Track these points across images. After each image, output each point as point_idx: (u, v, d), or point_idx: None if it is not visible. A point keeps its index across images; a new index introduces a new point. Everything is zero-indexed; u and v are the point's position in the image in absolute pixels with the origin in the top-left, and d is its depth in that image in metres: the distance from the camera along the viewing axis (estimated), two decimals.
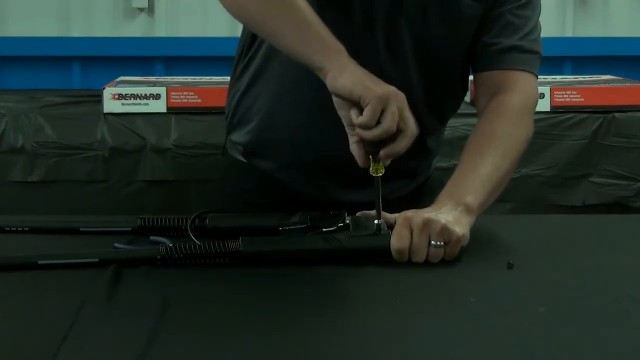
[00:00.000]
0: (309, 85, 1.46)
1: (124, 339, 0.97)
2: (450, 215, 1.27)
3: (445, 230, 1.24)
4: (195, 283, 1.17)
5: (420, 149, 1.52)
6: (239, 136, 1.60)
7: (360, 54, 1.31)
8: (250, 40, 1.54)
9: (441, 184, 1.66)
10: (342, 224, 1.32)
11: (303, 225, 1.33)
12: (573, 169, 2.47)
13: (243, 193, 1.60)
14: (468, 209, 1.30)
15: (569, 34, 3.19)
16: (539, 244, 1.38)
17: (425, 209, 1.28)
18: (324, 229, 1.29)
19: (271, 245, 1.26)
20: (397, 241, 1.23)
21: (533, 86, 1.52)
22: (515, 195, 2.41)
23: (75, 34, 3.06)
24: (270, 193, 1.57)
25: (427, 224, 1.24)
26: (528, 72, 1.51)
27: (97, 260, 1.21)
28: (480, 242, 1.33)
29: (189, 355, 0.93)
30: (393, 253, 1.24)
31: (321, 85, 1.42)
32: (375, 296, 1.13)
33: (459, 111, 2.37)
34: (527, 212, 2.36)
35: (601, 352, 0.95)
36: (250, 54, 1.55)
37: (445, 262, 1.24)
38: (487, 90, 1.50)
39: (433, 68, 1.51)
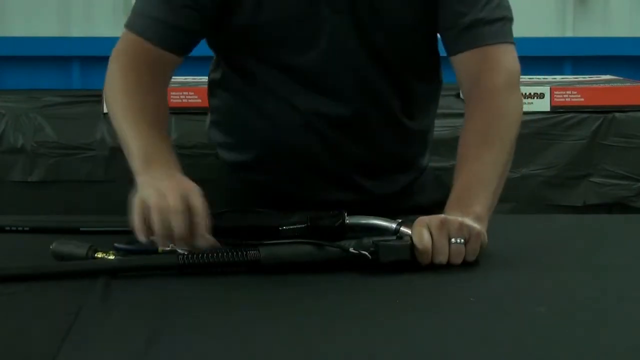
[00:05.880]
0: (290, 103, 1.50)
1: (124, 339, 0.97)
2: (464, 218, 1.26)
3: (464, 226, 1.23)
4: (195, 283, 1.17)
5: (397, 130, 1.55)
6: (217, 136, 1.64)
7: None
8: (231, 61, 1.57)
9: (434, 181, 1.67)
10: (341, 222, 1.32)
11: (303, 225, 1.33)
12: (573, 169, 2.47)
13: (233, 194, 1.62)
14: (477, 218, 1.28)
15: (569, 34, 3.19)
16: (539, 244, 1.38)
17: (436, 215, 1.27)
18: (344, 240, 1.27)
19: (291, 254, 1.22)
20: (419, 242, 1.22)
21: (513, 57, 1.47)
22: (515, 195, 2.41)
23: (75, 34, 3.06)
24: (256, 194, 1.59)
25: (444, 222, 1.23)
26: (503, 43, 1.46)
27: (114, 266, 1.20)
28: None
29: (189, 355, 0.93)
30: (416, 254, 1.22)
31: (301, 102, 1.49)
32: (375, 296, 1.13)
33: (458, 111, 2.39)
34: (527, 212, 2.36)
35: (601, 352, 0.95)
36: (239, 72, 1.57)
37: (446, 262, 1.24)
38: (467, 73, 1.46)
39: (386, 45, 1.49)
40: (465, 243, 1.23)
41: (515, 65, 1.47)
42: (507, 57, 1.46)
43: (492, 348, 0.95)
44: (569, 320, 1.04)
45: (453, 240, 1.22)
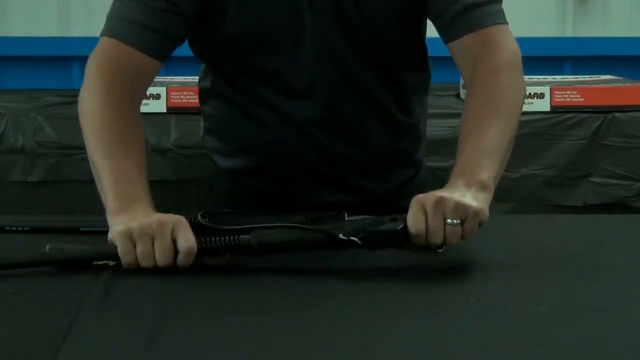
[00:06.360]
0: (280, 109, 1.50)
1: (124, 339, 0.97)
2: (465, 193, 1.24)
3: (460, 206, 1.20)
4: (194, 283, 1.17)
5: (388, 122, 1.54)
6: (212, 143, 1.63)
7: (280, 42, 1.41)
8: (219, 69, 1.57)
9: (432, 179, 1.68)
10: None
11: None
12: (573, 169, 2.47)
13: (227, 195, 1.62)
14: (483, 186, 1.26)
15: (569, 34, 3.19)
16: (539, 244, 1.38)
17: (438, 190, 1.25)
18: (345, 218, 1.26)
19: (283, 240, 1.22)
20: (413, 224, 1.20)
21: (511, 37, 1.46)
22: (515, 195, 2.41)
23: (75, 34, 3.06)
24: (255, 199, 1.59)
25: (440, 202, 1.21)
26: (499, 24, 1.45)
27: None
28: (480, 242, 1.33)
29: (189, 355, 0.93)
30: (410, 237, 1.21)
31: (292, 109, 1.49)
32: (375, 296, 1.13)
33: (458, 111, 2.38)
34: (527, 212, 2.36)
35: (601, 352, 0.95)
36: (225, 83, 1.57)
37: (445, 261, 1.23)
38: (467, 57, 1.45)
39: (368, 37, 1.48)
40: (462, 222, 1.21)
41: (515, 45, 1.46)
42: (506, 37, 1.45)
43: (492, 348, 0.95)
44: (569, 320, 1.04)
45: (449, 220, 1.20)
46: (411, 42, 1.54)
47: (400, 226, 1.20)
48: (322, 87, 1.48)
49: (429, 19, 1.51)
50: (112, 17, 1.43)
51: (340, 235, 1.20)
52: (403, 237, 1.21)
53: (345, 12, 1.44)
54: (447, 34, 1.46)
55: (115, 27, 1.42)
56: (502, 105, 1.39)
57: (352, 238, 1.19)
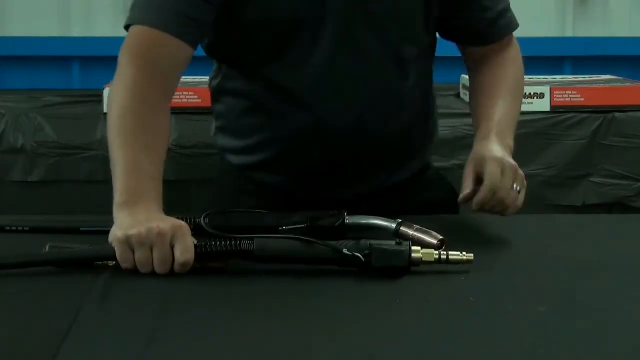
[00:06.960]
0: (298, 100, 1.49)
1: (124, 339, 0.97)
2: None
3: (521, 176, 1.43)
4: (194, 283, 1.17)
5: (389, 104, 1.55)
6: (225, 141, 1.63)
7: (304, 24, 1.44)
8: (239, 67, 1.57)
9: (439, 179, 1.68)
10: (341, 222, 1.32)
11: (303, 225, 1.33)
12: (573, 169, 2.47)
13: (237, 193, 1.62)
14: (511, 151, 1.44)
15: (569, 34, 3.19)
16: (539, 244, 1.38)
17: (487, 147, 1.42)
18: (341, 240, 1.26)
19: (285, 249, 1.21)
20: (490, 177, 1.38)
21: (515, 40, 1.64)
22: None
23: (75, 34, 3.06)
24: (262, 194, 1.58)
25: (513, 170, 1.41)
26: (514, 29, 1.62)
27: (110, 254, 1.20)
28: (480, 242, 1.34)
29: (189, 355, 0.93)
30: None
31: (310, 99, 1.48)
32: (374, 296, 1.13)
33: (458, 111, 2.38)
34: (527, 212, 2.36)
35: (601, 352, 0.95)
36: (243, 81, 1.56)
37: (444, 260, 1.23)
38: (480, 55, 1.60)
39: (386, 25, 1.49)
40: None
41: (517, 44, 1.64)
42: (514, 40, 1.62)
43: (492, 348, 0.95)
44: (569, 320, 1.04)
45: (515, 187, 1.41)
46: (428, 33, 1.56)
47: (405, 249, 1.19)
48: (341, 76, 1.47)
49: (456, 26, 1.58)
50: (140, 5, 1.41)
51: (345, 250, 1.19)
52: (407, 261, 1.19)
53: (367, 3, 1.45)
54: (477, 40, 1.59)
55: (147, 14, 1.39)
56: (513, 85, 1.57)
57: (356, 254, 1.19)
